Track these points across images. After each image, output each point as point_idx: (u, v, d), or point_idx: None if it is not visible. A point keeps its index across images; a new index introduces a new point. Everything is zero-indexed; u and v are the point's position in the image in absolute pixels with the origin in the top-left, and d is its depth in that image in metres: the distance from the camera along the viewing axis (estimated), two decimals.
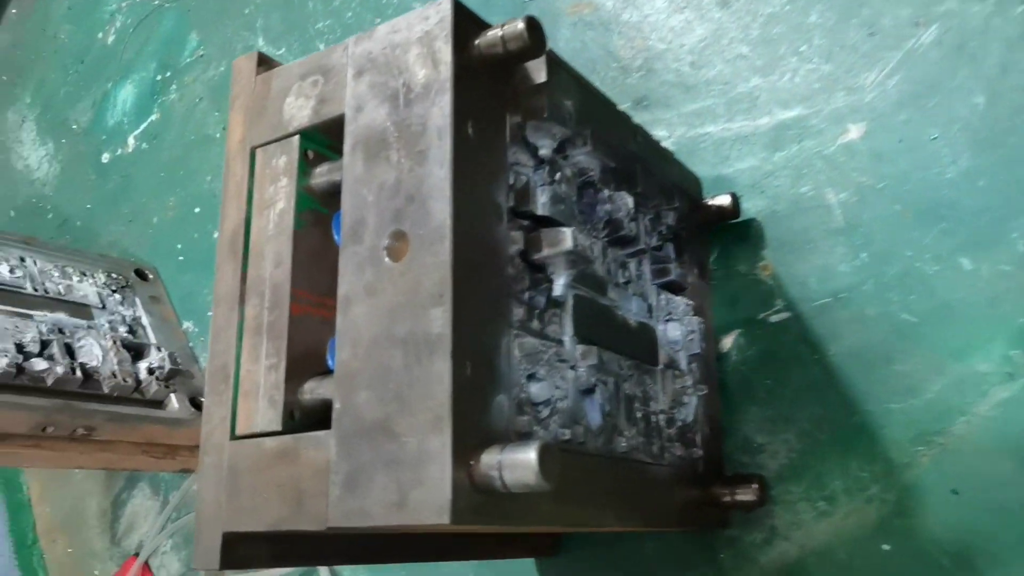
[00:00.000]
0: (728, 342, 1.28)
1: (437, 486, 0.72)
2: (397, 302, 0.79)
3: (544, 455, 0.72)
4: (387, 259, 0.81)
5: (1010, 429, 1.06)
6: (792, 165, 1.27)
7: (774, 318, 1.25)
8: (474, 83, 0.84)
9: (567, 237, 0.85)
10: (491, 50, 0.84)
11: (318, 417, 0.87)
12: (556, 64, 0.90)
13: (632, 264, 1.08)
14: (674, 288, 1.18)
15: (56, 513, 2.11)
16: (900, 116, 1.19)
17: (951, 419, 1.09)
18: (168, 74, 2.24)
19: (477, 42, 0.84)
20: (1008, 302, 1.08)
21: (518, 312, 0.84)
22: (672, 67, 1.42)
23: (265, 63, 1.00)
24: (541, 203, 0.89)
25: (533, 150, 0.92)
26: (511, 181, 0.89)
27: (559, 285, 0.87)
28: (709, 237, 1.32)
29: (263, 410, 0.87)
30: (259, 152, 0.96)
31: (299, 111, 0.94)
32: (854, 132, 1.23)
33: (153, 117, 2.24)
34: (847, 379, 1.17)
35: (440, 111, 0.81)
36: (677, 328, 1.13)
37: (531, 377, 0.85)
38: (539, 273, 0.89)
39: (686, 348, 1.16)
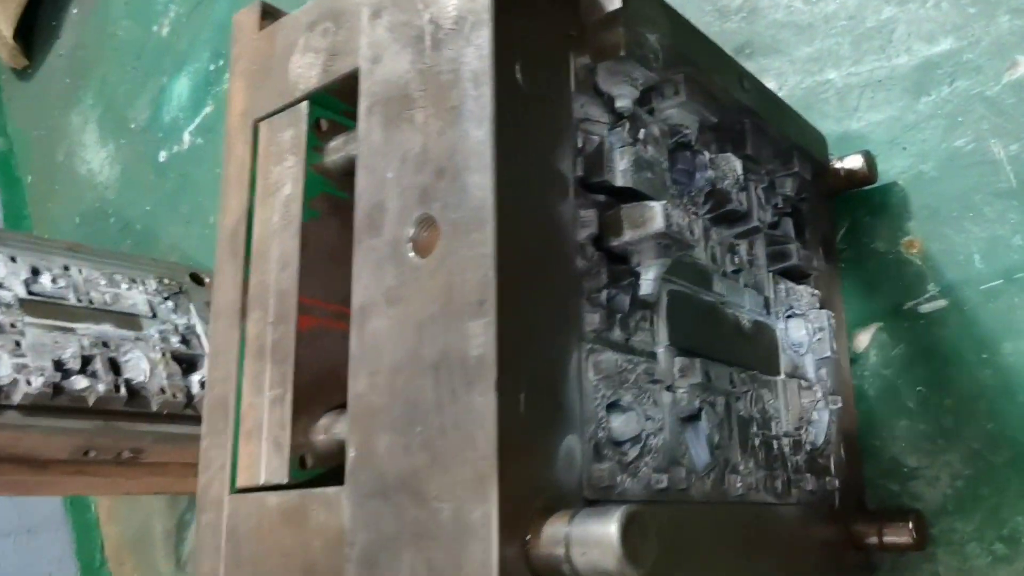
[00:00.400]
0: (864, 339, 1.03)
1: (481, 571, 0.51)
2: (426, 312, 0.58)
3: (630, 528, 0.50)
4: (412, 254, 0.61)
5: None
6: (943, 112, 1.01)
7: (926, 307, 0.99)
8: (524, 12, 0.62)
9: (657, 214, 0.63)
10: None
11: (337, 463, 0.67)
12: None
13: (743, 247, 0.85)
14: (796, 275, 0.94)
15: (124, 533, 2.00)
16: None
17: None
18: (221, 63, 2.10)
19: None
20: None
21: (592, 319, 0.62)
22: (781, 3, 1.16)
23: (271, 15, 0.80)
24: (620, 171, 0.66)
25: (608, 102, 0.70)
26: (579, 143, 0.67)
27: (648, 280, 0.65)
28: (836, 208, 1.06)
29: (267, 456, 0.67)
30: (263, 126, 0.77)
31: (307, 70, 0.74)
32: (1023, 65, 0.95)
33: (207, 109, 2.10)
34: None
35: (476, 52, 0.60)
36: (801, 326, 0.88)
37: (613, 407, 0.63)
38: (621, 265, 0.66)
39: (813, 351, 0.92)
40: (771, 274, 0.89)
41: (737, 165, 0.80)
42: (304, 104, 0.73)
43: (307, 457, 0.68)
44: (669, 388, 0.70)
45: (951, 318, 0.97)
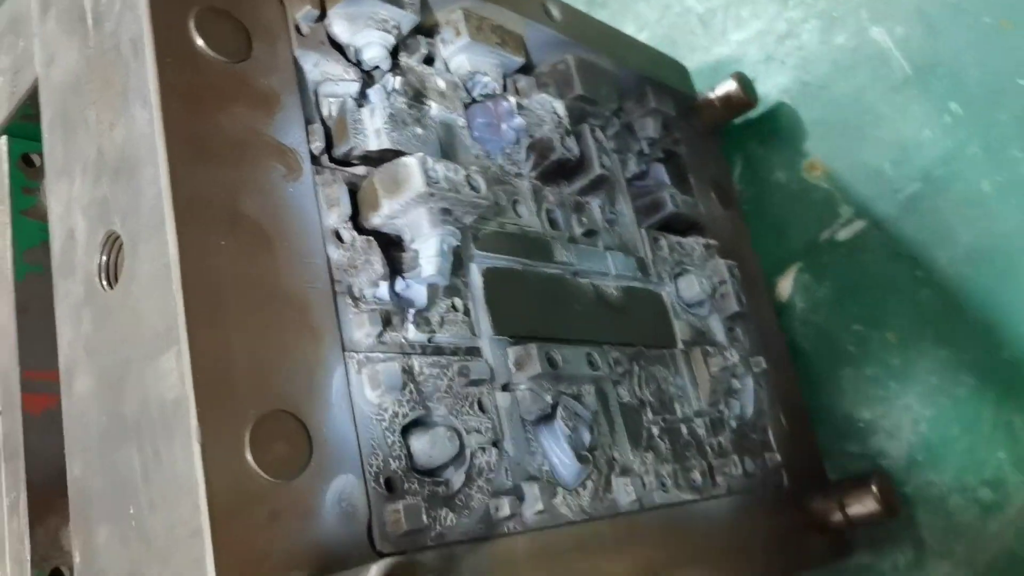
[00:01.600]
0: (787, 286, 0.88)
1: None
2: (121, 357, 0.44)
3: None
4: (103, 286, 0.47)
5: None
6: (815, 11, 0.87)
7: (843, 233, 0.85)
8: None
9: (413, 171, 0.48)
10: None
11: None
12: None
13: (595, 204, 0.71)
14: (682, 227, 0.79)
15: None
16: None
17: None
18: None
19: None
20: None
21: (361, 322, 0.48)
22: None
23: None
24: (374, 131, 0.52)
25: (356, 55, 0.56)
26: (323, 111, 0.53)
27: (429, 258, 0.50)
28: (723, 145, 0.93)
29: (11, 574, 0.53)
30: None
31: None
32: None
33: None
34: (978, 295, 0.76)
35: (133, 14, 0.46)
36: (694, 283, 0.74)
37: (413, 427, 0.49)
38: (397, 247, 0.52)
39: (718, 309, 0.77)
40: (645, 231, 0.75)
41: (557, 107, 0.66)
42: (2, 140, 0.60)
43: (63, 569, 0.53)
44: (506, 387, 0.55)
45: (873, 239, 0.83)
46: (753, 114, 0.90)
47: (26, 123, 0.59)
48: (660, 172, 0.81)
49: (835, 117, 0.85)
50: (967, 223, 0.77)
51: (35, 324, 0.56)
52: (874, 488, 0.74)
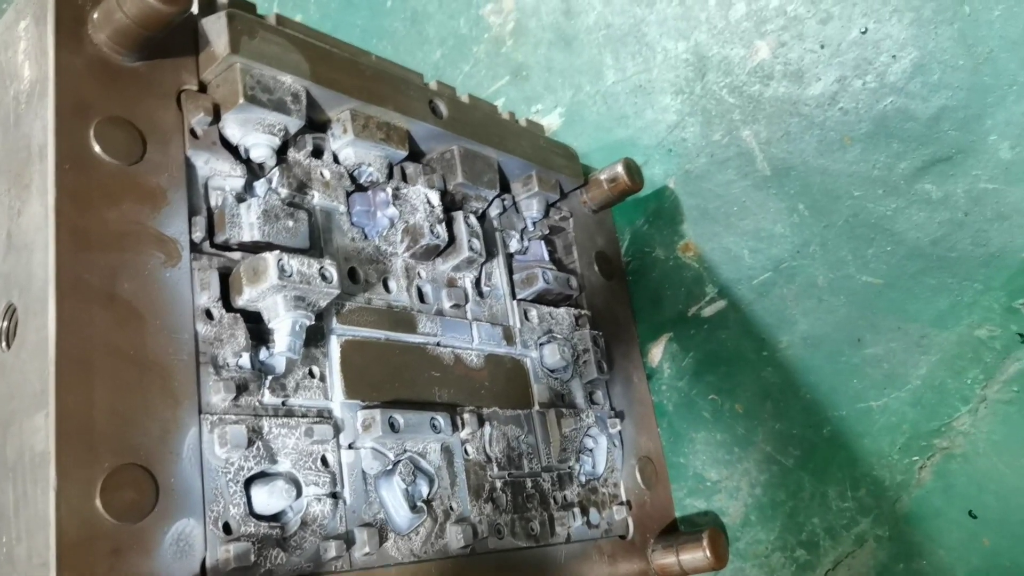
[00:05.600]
0: (658, 352, 0.98)
1: None
2: (8, 408, 0.54)
3: None
4: (1, 347, 0.56)
5: None
6: (699, 108, 0.97)
7: (708, 310, 0.95)
8: (104, 70, 0.58)
9: (269, 266, 0.58)
10: (118, 16, 0.58)
11: None
12: (248, 21, 0.64)
13: (468, 278, 0.80)
14: (555, 297, 0.89)
15: None
16: (817, 14, 0.89)
17: (950, 410, 0.77)
18: None
19: (95, 14, 0.58)
20: (1002, 233, 0.76)
21: (218, 388, 0.57)
22: (546, 22, 1.14)
23: None
24: (248, 224, 0.62)
25: (246, 152, 0.66)
26: (212, 202, 0.63)
27: (283, 337, 0.60)
28: (613, 221, 1.03)
29: None
30: None
31: None
32: (763, 49, 0.93)
33: None
34: (808, 376, 0.86)
35: (41, 124, 0.56)
36: (556, 351, 0.83)
37: (257, 478, 0.58)
38: (259, 324, 0.62)
39: (580, 374, 0.87)
40: (517, 302, 0.84)
41: (432, 196, 0.76)
42: None
43: None
44: (351, 445, 0.65)
45: (731, 318, 0.93)
46: (643, 192, 0.99)
47: None
48: (540, 248, 0.90)
49: (709, 205, 0.95)
50: (804, 312, 0.87)
51: None
52: (705, 543, 0.84)
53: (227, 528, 0.55)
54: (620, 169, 0.96)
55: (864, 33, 0.85)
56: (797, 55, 0.90)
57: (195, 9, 0.67)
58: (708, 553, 0.83)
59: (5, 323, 0.56)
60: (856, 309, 0.83)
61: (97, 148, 0.56)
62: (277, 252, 0.58)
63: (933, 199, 0.80)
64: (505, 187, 0.89)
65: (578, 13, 1.10)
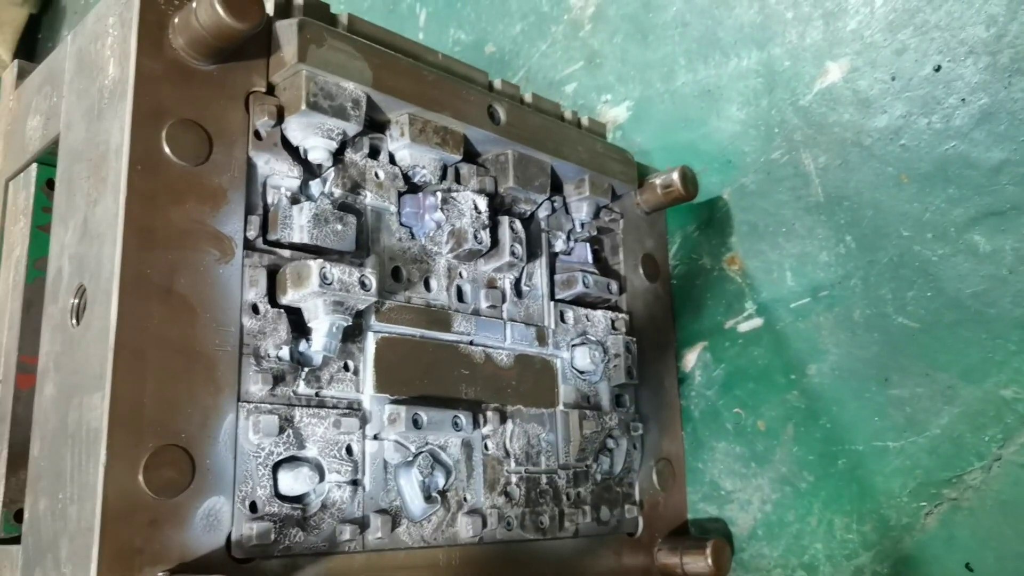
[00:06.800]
0: (692, 359, 1.01)
1: None
2: (73, 382, 0.60)
3: None
4: (72, 323, 0.62)
5: None
6: (762, 123, 0.97)
7: (744, 326, 0.97)
8: (180, 74, 0.63)
9: (312, 272, 0.63)
10: (195, 25, 0.62)
11: None
12: (317, 29, 0.67)
13: (507, 280, 0.84)
14: (594, 300, 0.92)
15: None
16: (892, 44, 0.87)
17: (964, 463, 0.78)
18: None
19: (176, 19, 0.63)
20: None
21: (256, 379, 0.63)
22: (627, 11, 1.14)
23: (26, 73, 0.83)
24: (299, 226, 0.67)
25: (305, 153, 0.70)
26: (269, 200, 0.68)
27: (320, 337, 0.65)
28: (666, 223, 1.04)
29: None
30: (11, 186, 0.79)
31: (35, 132, 0.76)
32: (835, 72, 0.92)
33: None
34: (832, 407, 0.88)
35: (119, 124, 0.61)
36: (586, 354, 0.87)
37: (285, 463, 0.64)
38: (302, 320, 0.67)
39: (610, 377, 0.90)
40: (555, 303, 0.88)
41: (480, 203, 0.79)
42: (33, 166, 0.76)
43: (25, 511, 0.70)
44: (376, 436, 0.70)
45: (765, 337, 0.94)
46: (699, 199, 1.00)
47: (53, 156, 0.75)
48: (585, 251, 0.93)
49: (759, 221, 0.96)
50: (837, 343, 0.88)
51: (35, 319, 0.72)
52: (708, 552, 0.88)
53: (253, 507, 0.62)
54: (676, 176, 0.97)
55: (937, 71, 0.83)
56: (867, 83, 0.89)
57: (270, 10, 0.71)
58: (710, 562, 0.87)
59: (76, 300, 0.62)
60: (888, 349, 0.84)
61: (167, 150, 0.61)
62: (320, 261, 0.63)
63: (980, 252, 0.79)
64: (557, 187, 0.91)
65: (657, 7, 1.10)
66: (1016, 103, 0.78)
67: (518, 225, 0.82)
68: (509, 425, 0.80)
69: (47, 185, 0.76)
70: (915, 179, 0.84)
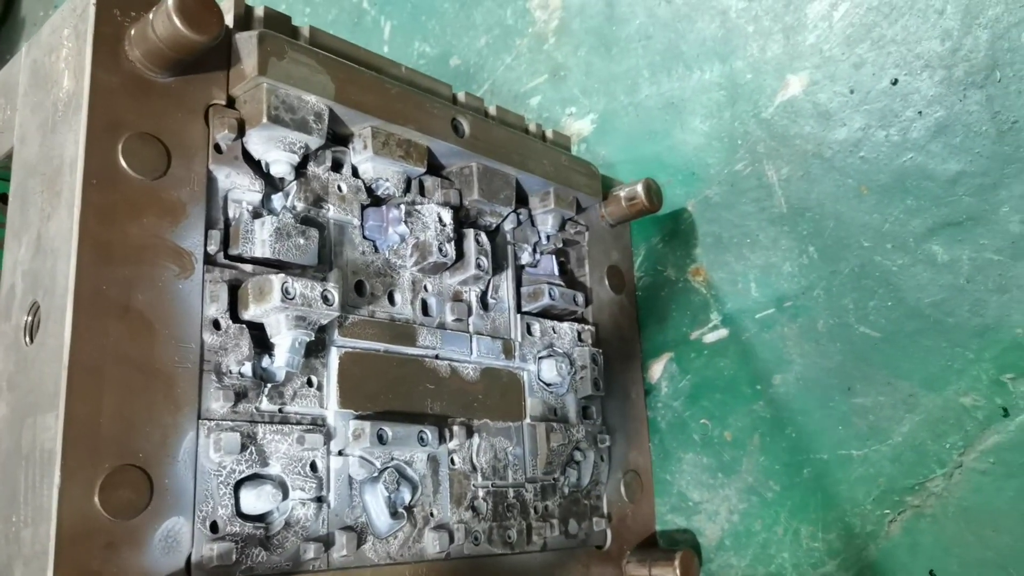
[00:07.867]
0: (658, 370, 1.01)
1: None
2: (27, 402, 0.59)
3: None
4: (25, 339, 0.61)
5: (1006, 486, 0.75)
6: (726, 135, 0.98)
7: (710, 337, 0.97)
8: (137, 86, 0.62)
9: (275, 287, 0.62)
10: (151, 37, 0.61)
11: None
12: (279, 42, 0.67)
13: (473, 293, 0.83)
14: (560, 312, 0.92)
15: None
16: (851, 58, 0.88)
17: (926, 471, 0.79)
18: None
19: (132, 31, 0.62)
20: (1000, 305, 0.77)
21: (217, 396, 0.62)
22: (591, 25, 1.14)
23: None
24: (260, 241, 0.66)
25: (266, 167, 0.69)
26: (230, 214, 0.67)
27: (282, 352, 0.64)
28: (631, 235, 1.04)
29: None
30: None
31: None
32: (795, 84, 0.93)
33: None
34: (797, 416, 0.88)
35: (74, 137, 0.60)
36: (553, 367, 0.87)
37: (247, 481, 0.63)
38: (264, 335, 0.66)
39: (576, 389, 0.90)
40: (521, 316, 0.88)
41: (444, 215, 0.78)
42: None
43: None
44: (341, 452, 0.69)
45: (731, 348, 0.95)
46: (663, 211, 1.01)
47: (6, 171, 0.74)
48: (551, 263, 0.93)
49: (723, 233, 0.97)
50: (801, 353, 0.88)
51: None
52: (676, 563, 0.88)
53: (214, 527, 0.60)
54: (640, 189, 0.98)
55: (894, 84, 0.85)
56: (827, 96, 0.90)
57: (230, 21, 0.70)
58: (679, 573, 0.87)
59: (29, 318, 0.61)
60: (851, 358, 0.85)
61: (124, 164, 0.60)
62: (283, 275, 0.62)
63: (938, 261, 0.80)
64: (523, 199, 0.91)
65: (621, 20, 1.11)
66: (971, 115, 0.80)
67: (483, 238, 0.82)
68: (476, 439, 0.80)
69: (0, 200, 0.74)
70: (875, 190, 0.85)
